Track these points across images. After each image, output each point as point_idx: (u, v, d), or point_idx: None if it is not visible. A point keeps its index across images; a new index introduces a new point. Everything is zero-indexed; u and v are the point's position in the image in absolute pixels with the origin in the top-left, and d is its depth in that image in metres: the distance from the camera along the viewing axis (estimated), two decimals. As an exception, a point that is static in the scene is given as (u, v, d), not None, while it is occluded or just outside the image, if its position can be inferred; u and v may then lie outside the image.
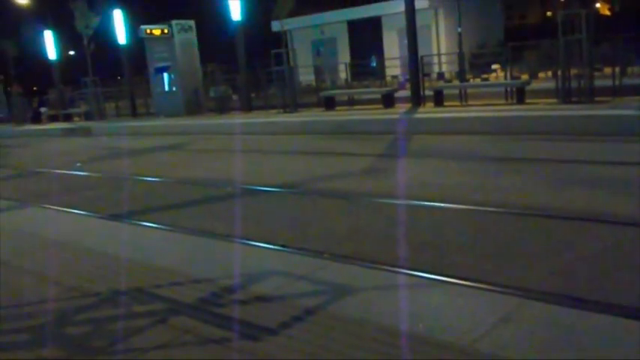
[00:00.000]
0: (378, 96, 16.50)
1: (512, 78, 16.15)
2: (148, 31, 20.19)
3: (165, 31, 20.09)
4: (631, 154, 8.09)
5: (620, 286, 3.86)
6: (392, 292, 3.80)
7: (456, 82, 19.54)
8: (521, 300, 3.63)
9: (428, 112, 13.95)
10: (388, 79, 25.03)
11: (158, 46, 20.63)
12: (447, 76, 24.26)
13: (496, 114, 12.34)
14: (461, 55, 21.31)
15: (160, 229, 6.10)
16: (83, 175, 10.94)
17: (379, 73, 26.26)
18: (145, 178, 9.78)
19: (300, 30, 32.71)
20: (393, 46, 29.12)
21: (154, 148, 14.51)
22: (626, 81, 14.41)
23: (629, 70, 17.64)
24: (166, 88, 20.93)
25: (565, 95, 12.59)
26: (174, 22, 20.10)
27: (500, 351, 2.97)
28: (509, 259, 4.54)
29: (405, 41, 15.86)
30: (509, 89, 14.77)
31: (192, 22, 20.59)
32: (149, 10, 26.58)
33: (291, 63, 19.75)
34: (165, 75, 20.77)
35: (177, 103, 20.44)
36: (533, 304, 3.57)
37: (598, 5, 41.19)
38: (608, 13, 41.52)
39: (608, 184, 6.60)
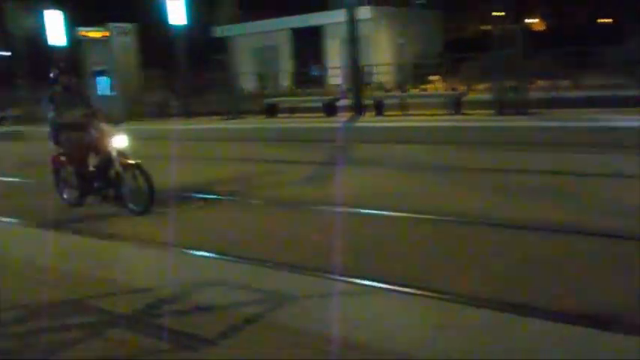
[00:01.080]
0: (320, 104, 16.60)
1: (451, 89, 16.57)
2: (85, 33, 19.62)
3: (104, 33, 19.59)
4: (561, 164, 8.44)
5: (551, 291, 4.01)
6: (331, 300, 3.82)
7: (397, 92, 19.88)
8: (457, 306, 3.73)
9: (369, 121, 14.14)
10: (330, 87, 25.20)
11: (96, 49, 20.07)
12: (387, 86, 24.65)
13: (434, 124, 12.65)
14: (401, 66, 21.73)
15: (94, 238, 5.92)
16: (9, 182, 10.47)
17: (321, 81, 26.41)
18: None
19: (242, 37, 32.55)
20: (335, 55, 29.36)
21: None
22: (558, 93, 15.05)
23: (562, 83, 18.40)
24: (104, 92, 20.38)
25: (500, 107, 13.02)
26: (112, 24, 19.62)
27: (437, 357, 3.03)
28: (446, 266, 4.64)
29: (348, 50, 16.03)
30: (447, 100, 15.15)
31: (131, 26, 20.16)
32: (90, 11, 25.79)
33: (233, 69, 19.62)
34: (103, 79, 20.23)
35: (116, 108, 19.92)
36: (470, 309, 3.66)
37: (532, 21, 42.83)
38: (542, 28, 43.19)
39: (540, 192, 6.86)
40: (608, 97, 14.09)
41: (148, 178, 6.68)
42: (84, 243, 5.75)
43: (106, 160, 6.94)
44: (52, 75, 7.32)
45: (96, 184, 7.17)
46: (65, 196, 7.58)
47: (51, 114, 7.20)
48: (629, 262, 4.43)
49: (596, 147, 9.25)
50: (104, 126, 6.98)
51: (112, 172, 6.93)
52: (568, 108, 13.18)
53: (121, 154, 6.83)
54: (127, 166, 6.80)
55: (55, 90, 7.29)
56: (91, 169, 7.20)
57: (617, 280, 4.11)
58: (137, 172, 6.73)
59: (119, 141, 6.87)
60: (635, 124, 10.07)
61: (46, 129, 7.74)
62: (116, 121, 7.47)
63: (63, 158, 7.40)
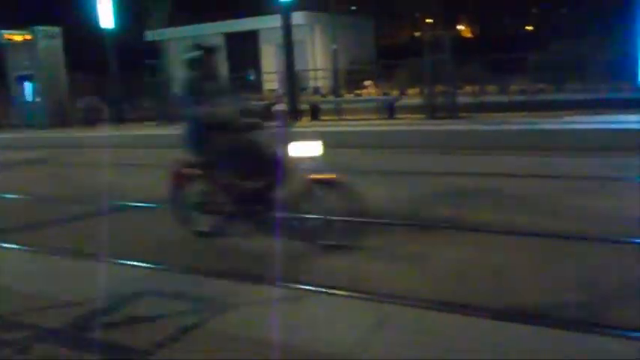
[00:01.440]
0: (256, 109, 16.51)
1: (384, 94, 16.90)
2: (8, 36, 18.80)
3: (28, 37, 18.83)
4: (488, 166, 8.74)
5: (482, 289, 4.15)
6: (271, 306, 3.83)
7: (331, 97, 20.08)
8: (396, 307, 3.80)
9: (304, 126, 14.21)
10: (266, 92, 25.18)
11: (20, 53, 19.27)
12: (323, 91, 24.85)
13: (368, 128, 12.85)
14: (336, 71, 21.97)
15: (22, 250, 5.68)
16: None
17: (257, 86, 26.34)
18: (4, 195, 9.07)
19: (175, 41, 32.05)
20: (271, 60, 29.37)
21: (15, 163, 13.49)
22: (486, 98, 15.61)
23: (489, 87, 19.09)
24: (29, 98, 19.58)
25: (431, 111, 13.38)
26: (38, 27, 18.90)
27: (377, 357, 3.09)
28: (381, 268, 4.72)
29: (283, 56, 16.08)
30: (380, 105, 15.45)
31: (57, 29, 19.48)
32: (14, 14, 24.69)
33: (166, 74, 19.30)
34: (28, 84, 19.44)
35: (42, 114, 19.18)
36: (409, 310, 3.75)
37: (461, 28, 44.20)
38: (470, 35, 44.62)
39: (470, 194, 7.08)
40: (531, 101, 14.78)
41: (353, 200, 4.83)
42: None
43: (274, 174, 5.03)
44: (190, 56, 5.31)
45: (252, 207, 5.24)
46: (194, 224, 5.53)
47: (195, 110, 5.15)
48: (560, 260, 4.65)
49: (523, 149, 9.66)
50: (278, 125, 5.23)
51: (286, 191, 5.07)
52: (495, 112, 13.70)
53: (308, 165, 4.91)
54: (317, 183, 4.90)
55: (195, 76, 5.30)
56: (250, 185, 5.21)
57: (548, 278, 4.30)
58: (334, 191, 4.88)
59: (305, 148, 4.89)
60: (556, 126, 10.58)
61: None
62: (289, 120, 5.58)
63: (196, 171, 5.35)
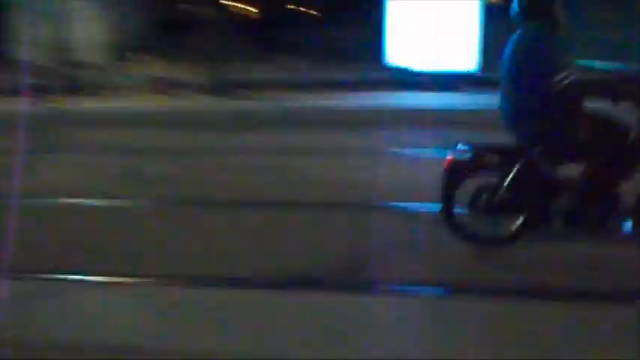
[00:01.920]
0: (8, 85, 14.88)
1: (160, 71, 16.47)
2: None
3: None
4: (268, 144, 8.80)
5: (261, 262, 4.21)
6: (41, 301, 3.57)
7: (98, 72, 18.86)
8: (177, 288, 3.77)
9: (70, 103, 13.12)
10: (16, 65, 22.77)
11: None
12: (89, 65, 23.23)
13: (139, 107, 12.34)
14: (104, 45, 20.64)
15: None
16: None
17: (10, 59, 23.74)
18: None
19: None
20: (27, 30, 26.51)
21: None
22: (264, 75, 16.00)
23: (270, 66, 19.50)
24: None
25: (210, 89, 13.37)
26: None
27: (161, 343, 3.01)
28: (161, 251, 4.52)
29: (40, 26, 14.69)
30: (152, 81, 15.06)
31: None
32: None
33: None
34: None
35: None
36: (190, 291, 3.73)
37: (244, 7, 44.40)
38: (254, 12, 44.98)
39: (256, 171, 7.06)
40: (311, 80, 15.47)
41: None
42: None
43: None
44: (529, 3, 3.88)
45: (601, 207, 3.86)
46: (478, 227, 4.16)
47: (559, 76, 3.66)
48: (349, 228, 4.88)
49: (299, 125, 9.98)
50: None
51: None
52: (278, 90, 14.05)
53: None
54: None
55: (547, 30, 3.88)
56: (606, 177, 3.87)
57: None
58: None
59: None
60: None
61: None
62: None
63: (495, 159, 4.06)
